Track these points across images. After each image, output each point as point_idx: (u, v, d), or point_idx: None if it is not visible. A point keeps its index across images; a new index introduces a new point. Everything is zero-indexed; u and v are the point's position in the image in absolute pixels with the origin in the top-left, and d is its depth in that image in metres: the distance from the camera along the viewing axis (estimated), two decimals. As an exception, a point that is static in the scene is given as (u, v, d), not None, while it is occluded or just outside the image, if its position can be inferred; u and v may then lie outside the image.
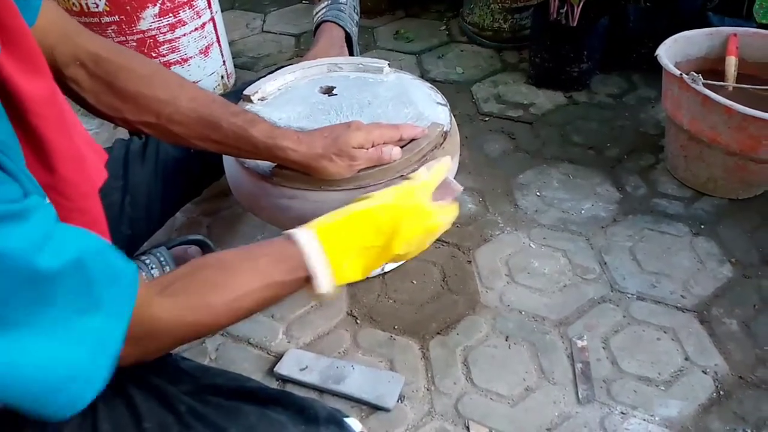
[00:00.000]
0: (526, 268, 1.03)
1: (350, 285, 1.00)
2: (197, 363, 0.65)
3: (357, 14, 1.29)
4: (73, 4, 1.18)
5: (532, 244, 1.07)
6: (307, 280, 0.57)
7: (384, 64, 0.96)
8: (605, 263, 1.03)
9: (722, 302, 0.95)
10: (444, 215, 0.67)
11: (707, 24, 1.23)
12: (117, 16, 1.21)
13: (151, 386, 0.57)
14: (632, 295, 0.97)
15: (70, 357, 0.41)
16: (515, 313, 0.95)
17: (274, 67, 1.15)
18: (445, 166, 0.71)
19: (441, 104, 0.89)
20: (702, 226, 1.08)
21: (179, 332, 0.52)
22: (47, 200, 0.44)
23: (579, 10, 1.33)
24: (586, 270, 1.02)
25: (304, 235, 0.58)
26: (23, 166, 0.44)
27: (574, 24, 1.35)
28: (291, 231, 0.59)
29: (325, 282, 0.58)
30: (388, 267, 1.01)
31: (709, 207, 1.13)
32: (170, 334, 0.52)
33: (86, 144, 0.59)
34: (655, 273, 1.00)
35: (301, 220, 0.76)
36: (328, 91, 0.92)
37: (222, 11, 1.48)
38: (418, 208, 0.64)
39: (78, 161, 0.56)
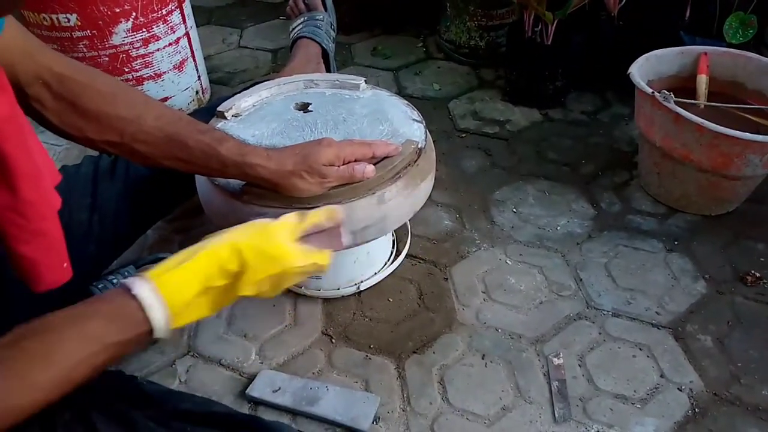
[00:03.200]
0: (502, 284, 1.02)
1: (325, 303, 0.99)
2: (163, 387, 0.64)
3: (334, 30, 1.30)
4: (44, 18, 1.16)
5: (508, 261, 1.07)
6: (148, 332, 0.53)
7: (361, 80, 0.95)
8: (581, 280, 1.03)
9: (696, 319, 0.96)
10: (306, 259, 0.61)
11: (679, 43, 1.25)
12: (89, 31, 1.19)
13: (115, 411, 0.55)
14: (607, 311, 0.97)
15: None
16: (492, 331, 0.95)
17: (251, 82, 1.14)
18: (324, 214, 0.65)
19: (417, 121, 0.89)
20: (676, 243, 1.09)
21: (5, 417, 0.46)
22: None
23: (553, 28, 1.35)
24: (561, 287, 1.02)
25: (143, 288, 0.52)
26: None
27: (549, 42, 1.37)
28: (127, 284, 0.53)
29: (166, 329, 0.53)
30: (364, 285, 0.99)
31: (682, 223, 1.14)
32: None
33: (43, 164, 0.58)
34: (630, 289, 1.01)
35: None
36: (304, 107, 0.91)
37: (198, 26, 1.47)
38: (272, 248, 0.58)
39: (37, 181, 0.54)
